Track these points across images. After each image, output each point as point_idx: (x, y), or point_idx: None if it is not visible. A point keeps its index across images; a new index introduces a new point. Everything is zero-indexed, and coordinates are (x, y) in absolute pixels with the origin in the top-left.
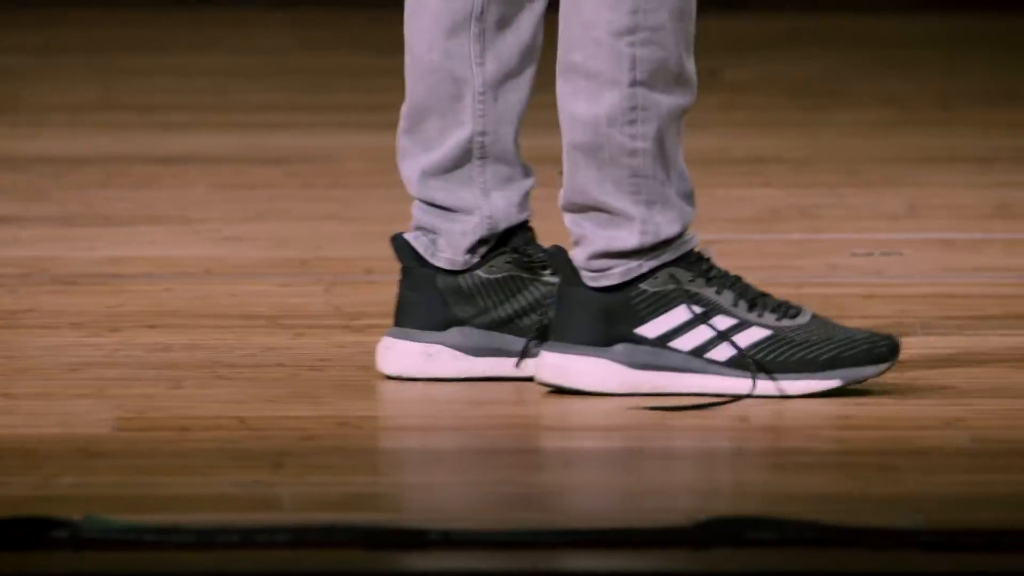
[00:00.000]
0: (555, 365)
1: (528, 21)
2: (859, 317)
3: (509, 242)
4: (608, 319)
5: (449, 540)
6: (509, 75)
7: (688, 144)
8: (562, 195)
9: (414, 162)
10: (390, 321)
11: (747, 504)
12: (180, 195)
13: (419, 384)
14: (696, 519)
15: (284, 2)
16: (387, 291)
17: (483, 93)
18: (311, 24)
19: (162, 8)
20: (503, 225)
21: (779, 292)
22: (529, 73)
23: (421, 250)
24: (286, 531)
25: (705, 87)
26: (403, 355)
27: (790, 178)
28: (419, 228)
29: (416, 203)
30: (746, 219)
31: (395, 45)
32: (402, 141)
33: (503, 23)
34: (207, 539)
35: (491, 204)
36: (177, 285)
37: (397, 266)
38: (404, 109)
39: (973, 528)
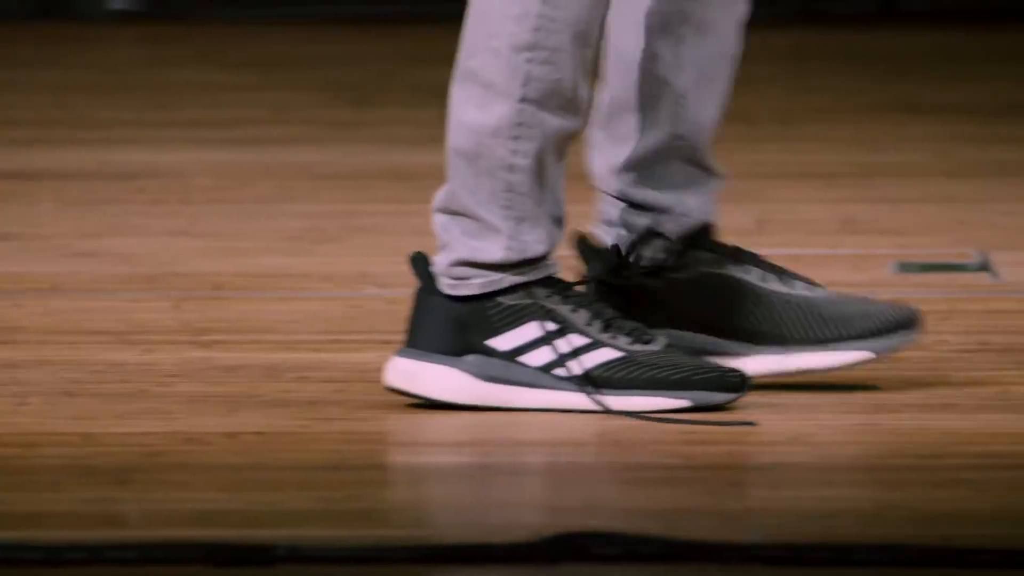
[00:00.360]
0: (405, 371)
1: (728, 27)
2: None
3: (697, 242)
4: (462, 328)
5: (297, 556)
6: (706, 80)
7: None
8: (437, 196)
9: (604, 156)
10: (237, 337)
11: (596, 519)
12: (28, 211)
13: (266, 400)
14: (543, 534)
15: (129, 18)
16: (236, 307)
17: (683, 96)
18: (158, 40)
19: (2, 23)
20: (693, 225)
21: None
22: (725, 78)
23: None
24: (134, 547)
25: None
26: None
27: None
28: (607, 223)
29: (605, 198)
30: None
31: (244, 61)
32: (596, 134)
33: (705, 28)
34: (55, 556)
35: (683, 204)
36: (26, 301)
37: (247, 282)
38: (601, 102)
39: (819, 543)
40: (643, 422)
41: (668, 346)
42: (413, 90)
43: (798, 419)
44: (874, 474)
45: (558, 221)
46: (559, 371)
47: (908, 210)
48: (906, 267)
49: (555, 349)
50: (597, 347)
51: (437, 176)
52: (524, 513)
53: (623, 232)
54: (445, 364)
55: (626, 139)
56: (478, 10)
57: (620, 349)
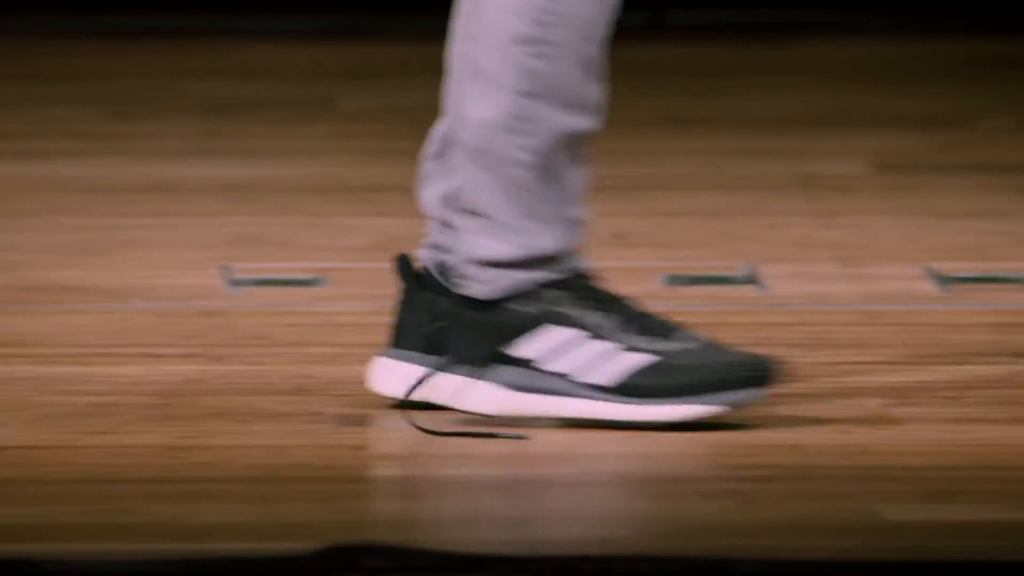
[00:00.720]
0: (447, 386)
1: None
2: None
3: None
4: (481, 336)
5: (64, 570)
6: None
7: (303, 173)
8: (434, 198)
9: (436, 186)
10: (5, 350)
11: (371, 532)
12: None
13: (33, 413)
14: (314, 546)
15: None
16: (2, 320)
17: None
18: None
19: None
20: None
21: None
22: None
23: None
24: None
25: (318, 115)
26: None
27: (406, 207)
28: (433, 247)
29: (434, 224)
30: (362, 248)
31: (7, 73)
32: (428, 165)
33: None
34: None
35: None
36: None
37: (14, 295)
38: (435, 133)
39: (592, 555)
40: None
41: (690, 338)
42: (175, 103)
43: (573, 434)
44: (645, 486)
45: (573, 221)
46: (588, 377)
47: (677, 223)
48: (675, 280)
49: (582, 354)
50: (624, 352)
51: (204, 189)
52: (299, 528)
53: (443, 258)
54: (476, 378)
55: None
56: (474, 3)
57: (647, 351)
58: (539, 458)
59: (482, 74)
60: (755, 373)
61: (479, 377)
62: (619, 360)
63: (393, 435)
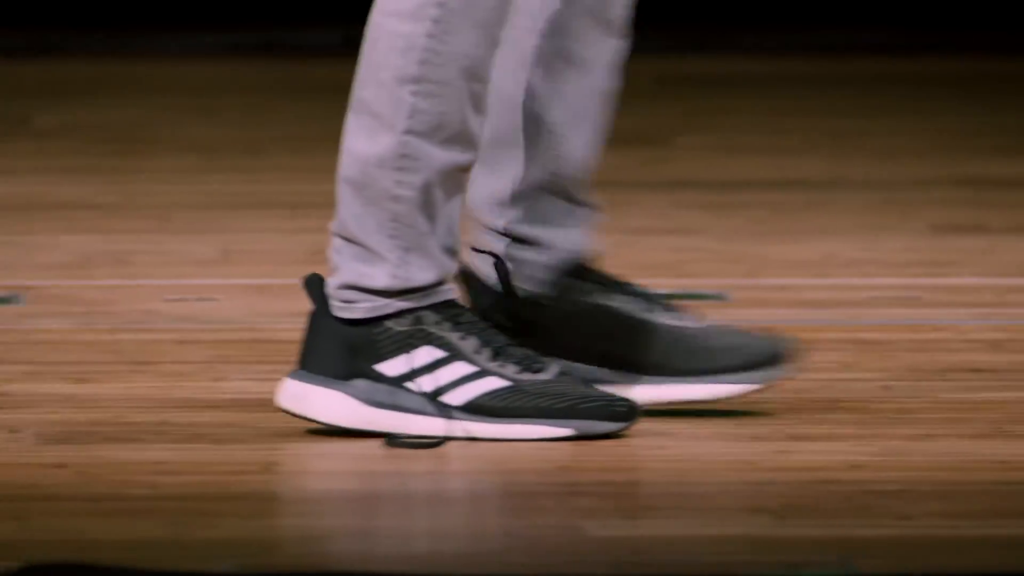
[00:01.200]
0: (295, 393)
1: (602, 65)
2: (173, 362)
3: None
4: (350, 352)
5: None
6: (579, 117)
7: (0, 191)
8: (333, 221)
9: (483, 189)
10: None
11: (65, 551)
12: None
13: None
14: (9, 566)
15: None
16: None
17: (557, 132)
18: None
19: None
20: (572, 257)
21: (93, 338)
22: (598, 115)
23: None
24: None
25: (14, 133)
26: None
27: (102, 224)
28: (485, 253)
29: (484, 229)
30: (58, 265)
31: None
32: (476, 168)
33: (580, 65)
34: None
35: (561, 237)
36: None
37: None
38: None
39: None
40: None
41: (560, 374)
42: None
43: (263, 447)
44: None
45: (451, 251)
46: (445, 397)
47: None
48: None
49: (442, 376)
50: (484, 375)
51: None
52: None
53: (504, 264)
54: (333, 388)
55: (506, 174)
56: (369, 41)
57: (507, 378)
58: (234, 474)
59: (368, 111)
60: (613, 406)
61: (342, 390)
62: (476, 383)
63: (84, 453)
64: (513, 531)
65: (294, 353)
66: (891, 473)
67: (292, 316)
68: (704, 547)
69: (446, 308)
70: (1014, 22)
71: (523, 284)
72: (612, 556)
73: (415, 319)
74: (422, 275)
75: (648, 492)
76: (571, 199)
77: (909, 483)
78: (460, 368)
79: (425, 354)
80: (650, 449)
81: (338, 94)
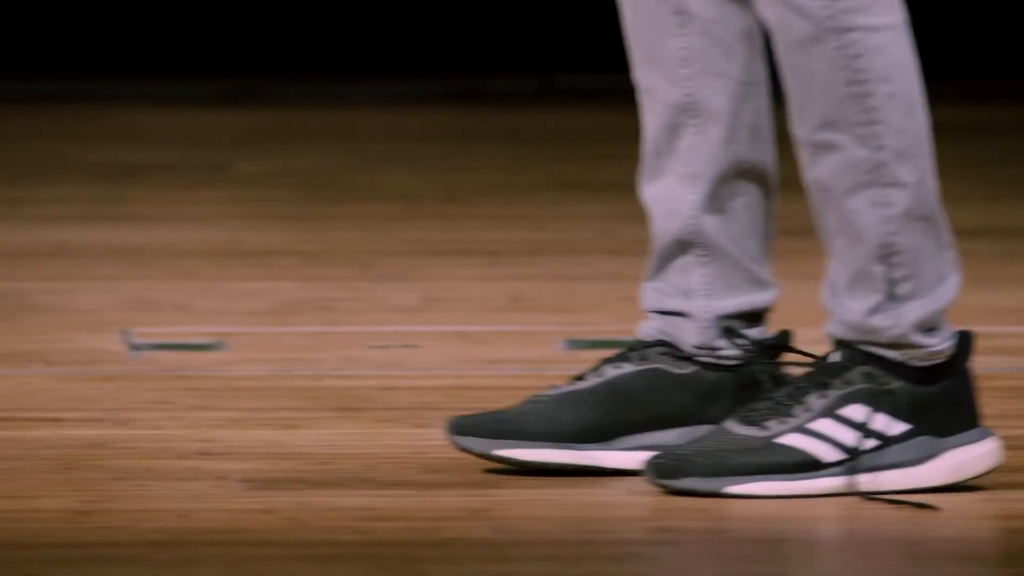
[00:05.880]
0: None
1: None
2: (379, 409)
3: None
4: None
5: None
6: None
7: (199, 237)
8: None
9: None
10: None
11: None
12: None
13: None
14: None
15: None
16: None
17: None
18: None
19: None
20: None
21: (297, 384)
22: None
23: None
24: None
25: (213, 180)
26: None
27: (303, 271)
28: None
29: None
30: (260, 312)
31: None
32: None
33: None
34: None
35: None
36: None
37: None
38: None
39: None
40: (317, 498)
41: None
42: (72, 168)
43: (473, 495)
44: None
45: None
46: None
47: (575, 287)
48: (574, 344)
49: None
50: None
51: (101, 254)
52: None
53: None
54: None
55: None
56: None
57: None
58: (392, 532)
59: None
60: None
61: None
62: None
63: (291, 499)
64: None
65: (496, 399)
66: None
67: (493, 363)
68: None
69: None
70: None
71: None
72: None
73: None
74: None
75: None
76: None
77: None
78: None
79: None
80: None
81: (536, 142)
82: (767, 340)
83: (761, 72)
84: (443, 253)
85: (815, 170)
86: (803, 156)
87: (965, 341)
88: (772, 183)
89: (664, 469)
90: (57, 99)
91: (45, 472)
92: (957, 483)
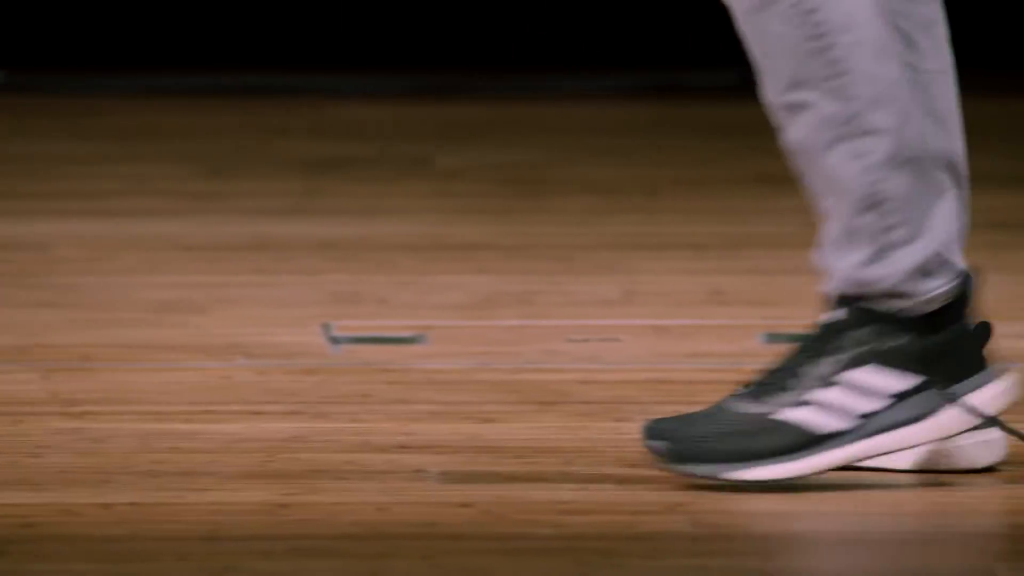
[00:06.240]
0: None
1: None
2: (577, 403)
3: None
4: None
5: None
6: None
7: (400, 230)
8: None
9: None
10: (108, 408)
11: None
12: None
13: (138, 470)
14: None
15: None
16: (105, 378)
17: None
18: (18, 112)
19: None
20: None
21: (496, 378)
22: None
23: None
24: None
25: (415, 174)
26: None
27: (504, 264)
28: None
29: None
30: (461, 305)
31: (104, 133)
32: None
33: None
34: None
35: None
36: None
37: (116, 353)
38: None
39: None
40: (512, 491)
41: None
42: (273, 161)
43: (671, 489)
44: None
45: None
46: None
47: (775, 281)
48: (774, 338)
49: None
50: None
51: (302, 247)
52: None
53: None
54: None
55: None
56: None
57: None
58: (590, 525)
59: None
60: None
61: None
62: None
63: (489, 492)
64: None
65: (695, 394)
66: None
67: (693, 357)
68: None
69: None
70: None
71: None
72: None
73: None
74: None
75: None
76: None
77: None
78: None
79: None
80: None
81: (734, 135)
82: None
83: (945, 61)
84: (643, 247)
85: (791, 132)
86: (780, 121)
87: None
88: (961, 172)
89: (663, 453)
90: (256, 93)
91: (244, 465)
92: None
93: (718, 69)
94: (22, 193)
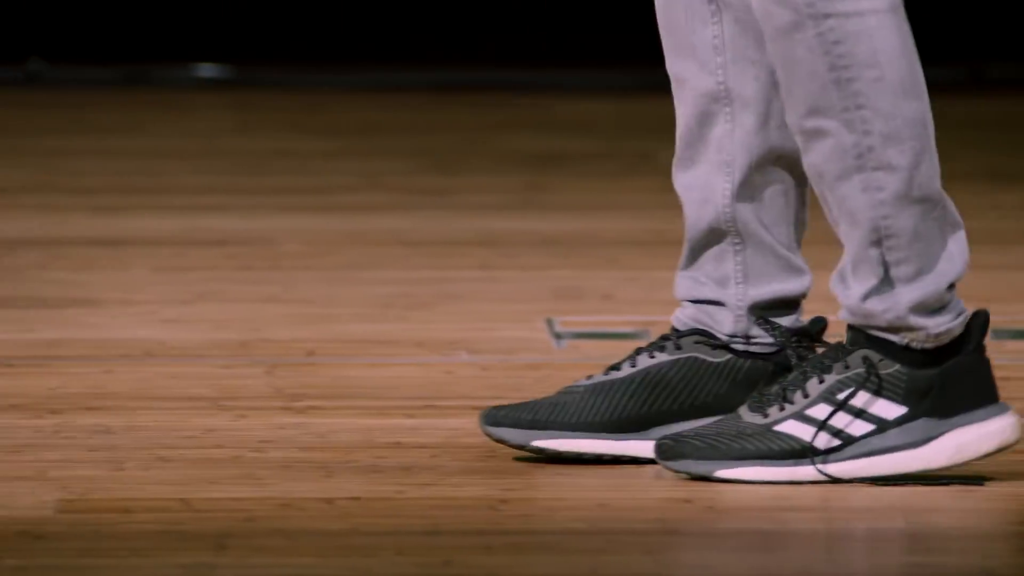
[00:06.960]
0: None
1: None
2: None
3: None
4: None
5: None
6: None
7: (625, 226)
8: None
9: None
10: (331, 403)
11: None
12: (119, 277)
13: (361, 465)
14: None
15: (216, 85)
16: (329, 373)
17: None
18: (245, 107)
19: (87, 90)
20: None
21: None
22: None
23: None
24: None
25: (639, 169)
26: None
27: None
28: None
29: None
30: None
31: (330, 128)
32: None
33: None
34: None
35: None
36: (117, 367)
37: (339, 348)
38: None
39: None
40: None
41: None
42: (498, 157)
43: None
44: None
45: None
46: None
47: (1000, 277)
48: (998, 334)
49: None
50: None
51: (526, 243)
52: None
53: None
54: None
55: None
56: None
57: None
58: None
59: None
60: None
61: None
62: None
63: (709, 488)
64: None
65: None
66: None
67: None
68: None
69: None
70: None
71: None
72: None
73: None
74: None
75: None
76: None
77: None
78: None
79: None
80: None
81: (965, 131)
82: (801, 327)
83: None
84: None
85: (808, 156)
86: (799, 143)
87: (978, 321)
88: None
89: (664, 450)
90: (482, 88)
91: (465, 460)
92: (965, 463)
93: (949, 64)
94: (246, 188)
